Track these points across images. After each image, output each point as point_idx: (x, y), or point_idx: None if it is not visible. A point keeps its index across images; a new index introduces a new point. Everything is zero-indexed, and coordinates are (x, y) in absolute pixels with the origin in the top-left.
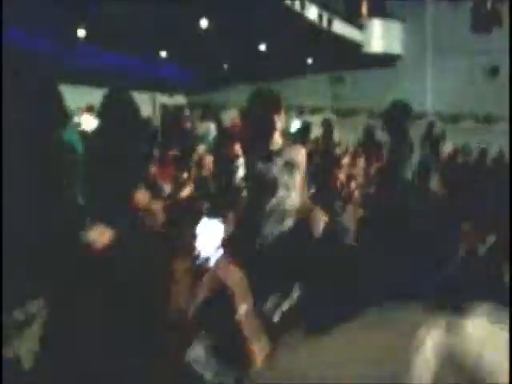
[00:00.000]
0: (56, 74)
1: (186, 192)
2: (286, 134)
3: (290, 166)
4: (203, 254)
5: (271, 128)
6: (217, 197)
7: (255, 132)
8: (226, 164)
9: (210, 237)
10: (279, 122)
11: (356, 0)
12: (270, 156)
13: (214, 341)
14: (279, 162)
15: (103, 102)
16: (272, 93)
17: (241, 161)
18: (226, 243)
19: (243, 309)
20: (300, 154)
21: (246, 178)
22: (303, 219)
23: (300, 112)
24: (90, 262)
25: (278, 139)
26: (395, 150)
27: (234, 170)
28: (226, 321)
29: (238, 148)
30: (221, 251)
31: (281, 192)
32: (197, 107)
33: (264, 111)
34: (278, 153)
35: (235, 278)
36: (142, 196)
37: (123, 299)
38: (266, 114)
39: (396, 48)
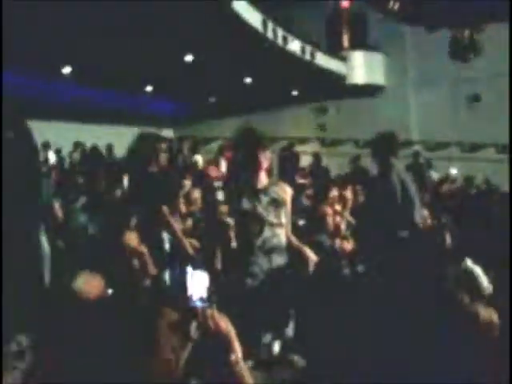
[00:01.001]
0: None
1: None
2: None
3: (275, 203)
4: (190, 304)
5: (255, 166)
6: (203, 235)
7: (240, 170)
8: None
9: (195, 287)
10: (265, 160)
11: (338, 33)
12: (255, 194)
13: None
14: (265, 199)
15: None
16: (257, 131)
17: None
18: (212, 290)
19: (235, 355)
20: (286, 193)
21: (231, 215)
22: (292, 259)
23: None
24: (76, 308)
25: (263, 177)
26: (383, 182)
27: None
28: (217, 369)
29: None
30: (206, 300)
31: (267, 230)
32: (184, 140)
33: (249, 150)
34: (264, 191)
35: (224, 325)
36: (130, 237)
37: (109, 347)
38: (251, 152)
39: (378, 79)
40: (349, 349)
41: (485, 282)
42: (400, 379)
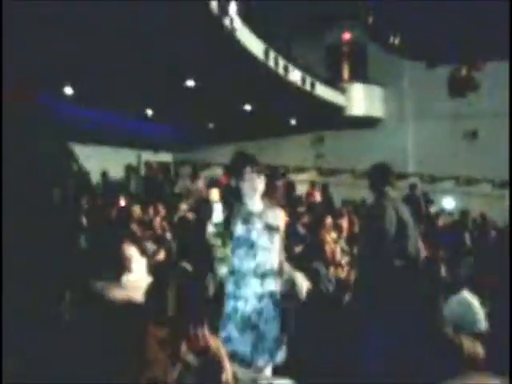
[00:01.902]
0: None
1: (162, 254)
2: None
3: (269, 228)
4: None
5: (251, 190)
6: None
7: (235, 194)
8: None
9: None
10: (260, 184)
11: (338, 65)
12: (249, 218)
13: None
14: (259, 224)
15: None
16: (250, 156)
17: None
18: (204, 311)
19: (226, 375)
20: (279, 217)
21: (223, 238)
22: (284, 285)
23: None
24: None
25: (258, 201)
26: (377, 211)
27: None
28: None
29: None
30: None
31: (260, 255)
32: (182, 165)
33: (245, 173)
34: (258, 215)
35: (214, 344)
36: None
37: (97, 363)
38: (247, 176)
39: (376, 111)
40: (340, 373)
41: (481, 314)
42: None
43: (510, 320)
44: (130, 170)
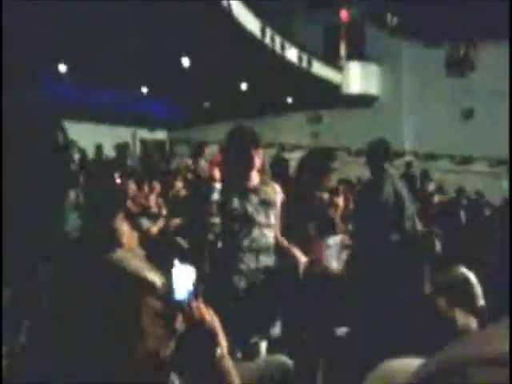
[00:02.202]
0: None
1: (157, 226)
2: (263, 171)
3: (265, 204)
4: (176, 298)
5: (249, 165)
6: (190, 232)
7: (232, 168)
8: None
9: (182, 281)
10: (257, 159)
11: (335, 43)
12: (246, 193)
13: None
14: (255, 199)
15: None
16: (251, 130)
17: (215, 194)
18: (199, 285)
19: (221, 349)
20: (276, 192)
21: (220, 214)
22: (280, 260)
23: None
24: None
25: (254, 176)
26: (375, 188)
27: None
28: (202, 363)
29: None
30: (193, 294)
31: (256, 230)
32: (177, 143)
33: (242, 148)
34: (255, 190)
35: (209, 317)
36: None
37: (90, 335)
38: (245, 150)
39: (373, 89)
40: (336, 348)
41: (479, 289)
42: None
43: (509, 311)
44: (123, 147)
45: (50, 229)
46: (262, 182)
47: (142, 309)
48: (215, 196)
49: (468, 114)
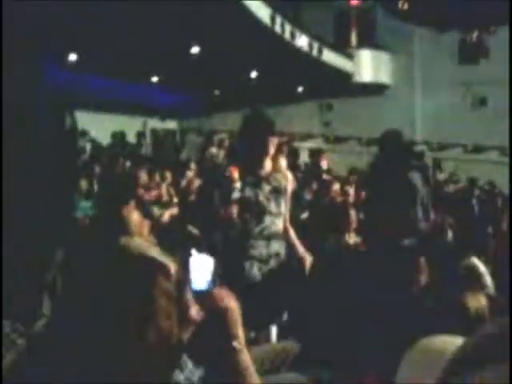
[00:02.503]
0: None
1: (168, 214)
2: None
3: (276, 192)
4: (194, 287)
5: (263, 152)
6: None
7: (247, 155)
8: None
9: (200, 271)
10: (272, 146)
11: (346, 30)
12: (258, 181)
13: (206, 369)
14: (267, 187)
15: None
16: (267, 116)
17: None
18: (217, 274)
19: (240, 340)
20: (287, 180)
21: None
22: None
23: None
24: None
25: (267, 164)
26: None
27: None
28: (220, 352)
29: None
30: (212, 284)
31: (267, 218)
32: (188, 132)
33: (258, 134)
34: (267, 178)
35: (233, 304)
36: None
37: (101, 319)
38: (260, 137)
39: (384, 78)
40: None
41: (488, 279)
42: None
43: (509, 311)
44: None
45: (61, 216)
46: (274, 169)
47: (156, 292)
48: (236, 195)
49: (481, 102)
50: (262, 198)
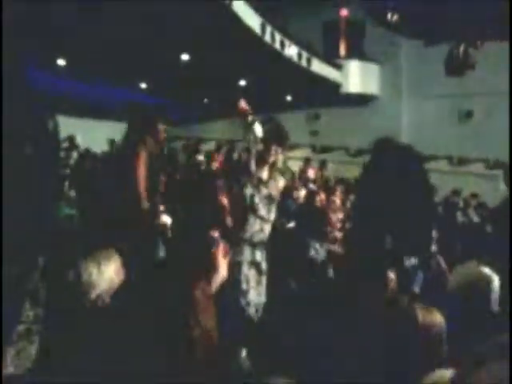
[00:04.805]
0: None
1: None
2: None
3: (269, 198)
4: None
5: (265, 157)
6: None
7: (251, 159)
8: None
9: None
10: (276, 154)
11: (335, 41)
12: (258, 185)
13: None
14: (264, 192)
15: None
16: (282, 128)
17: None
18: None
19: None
20: (279, 185)
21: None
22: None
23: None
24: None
25: (266, 171)
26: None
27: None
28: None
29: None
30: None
31: (257, 223)
32: (175, 140)
33: (273, 143)
34: (265, 183)
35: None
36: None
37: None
38: (267, 142)
39: (372, 88)
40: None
41: (497, 295)
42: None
43: (509, 311)
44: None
45: (43, 221)
46: (271, 176)
47: (196, 292)
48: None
49: (467, 115)
50: (256, 201)
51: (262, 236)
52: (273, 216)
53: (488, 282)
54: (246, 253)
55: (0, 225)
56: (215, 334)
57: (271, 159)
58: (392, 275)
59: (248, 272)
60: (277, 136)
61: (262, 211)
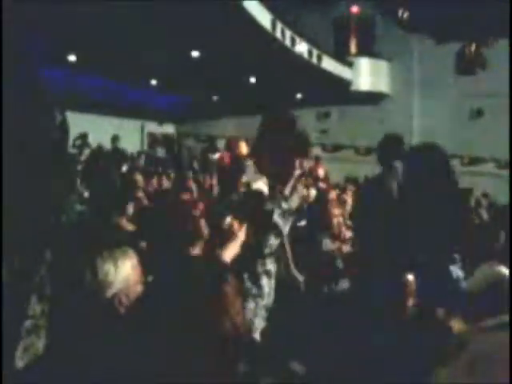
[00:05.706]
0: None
1: None
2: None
3: (288, 214)
4: None
5: (289, 172)
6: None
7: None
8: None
9: None
10: (300, 167)
11: (345, 38)
12: (278, 198)
13: None
14: (284, 206)
15: None
16: (302, 133)
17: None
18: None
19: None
20: (296, 202)
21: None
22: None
23: None
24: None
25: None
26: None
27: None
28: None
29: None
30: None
31: (273, 238)
32: (185, 137)
33: (288, 152)
34: (286, 198)
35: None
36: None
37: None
38: (289, 155)
39: (383, 87)
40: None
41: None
42: None
43: (509, 311)
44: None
45: (49, 216)
46: (294, 189)
47: (225, 287)
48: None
49: (477, 114)
50: (275, 216)
51: (274, 248)
52: (288, 228)
53: (508, 281)
54: (257, 264)
55: (1, 219)
56: (243, 330)
57: (296, 173)
58: (410, 278)
59: (261, 282)
60: (300, 149)
61: (280, 226)
